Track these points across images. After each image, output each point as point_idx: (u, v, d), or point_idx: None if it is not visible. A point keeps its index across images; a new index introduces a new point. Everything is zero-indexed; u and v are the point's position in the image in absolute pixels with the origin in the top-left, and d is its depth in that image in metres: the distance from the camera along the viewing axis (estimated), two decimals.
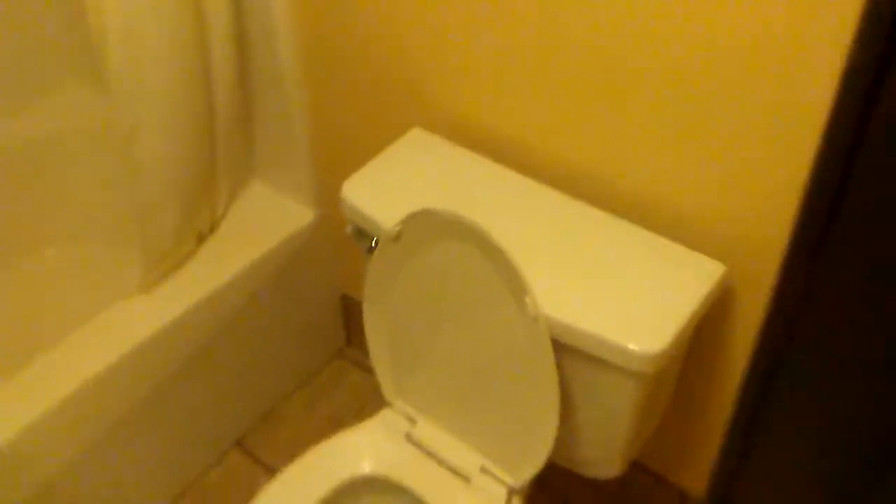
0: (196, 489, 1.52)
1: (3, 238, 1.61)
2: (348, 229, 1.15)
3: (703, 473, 1.31)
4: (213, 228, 1.46)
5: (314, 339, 1.69)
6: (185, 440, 1.49)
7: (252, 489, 1.52)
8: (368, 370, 1.72)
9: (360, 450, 1.17)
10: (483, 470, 1.12)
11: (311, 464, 1.16)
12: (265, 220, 1.49)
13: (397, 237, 1.03)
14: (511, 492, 1.10)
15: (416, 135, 1.20)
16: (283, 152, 1.48)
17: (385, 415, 1.20)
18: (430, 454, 1.15)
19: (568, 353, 0.97)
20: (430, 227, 0.99)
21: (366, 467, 1.15)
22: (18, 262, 1.64)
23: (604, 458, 1.10)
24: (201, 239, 1.44)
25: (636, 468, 1.35)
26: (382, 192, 1.12)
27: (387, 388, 1.20)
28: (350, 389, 1.69)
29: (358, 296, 1.66)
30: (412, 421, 1.18)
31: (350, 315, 1.70)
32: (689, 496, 1.35)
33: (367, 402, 1.67)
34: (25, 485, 1.23)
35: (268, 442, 1.60)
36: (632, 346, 0.92)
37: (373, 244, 1.12)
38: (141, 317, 1.33)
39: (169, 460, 1.48)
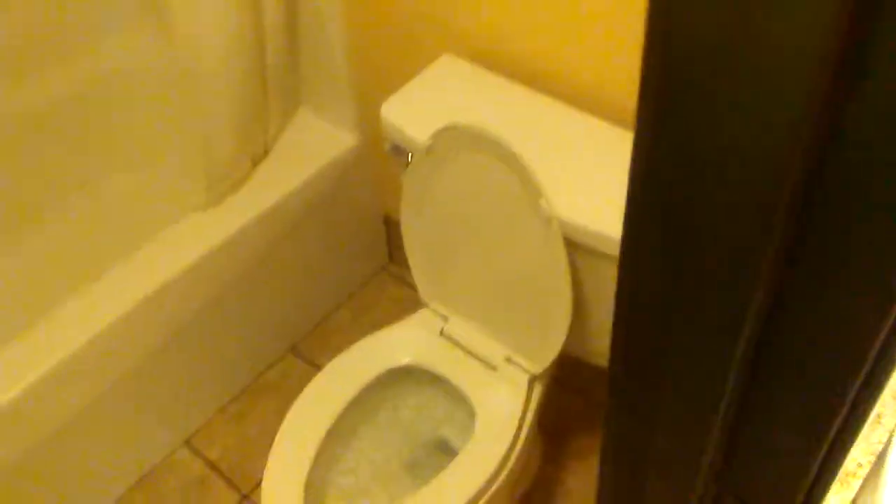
0: (255, 387, 1.70)
1: (76, 164, 1.78)
2: (387, 147, 1.28)
3: None
4: (265, 153, 1.61)
5: (359, 256, 1.85)
6: (245, 345, 1.67)
7: (305, 385, 1.70)
8: (408, 284, 1.88)
9: (400, 344, 1.32)
10: (508, 360, 1.26)
11: (355, 356, 1.31)
12: (312, 144, 1.63)
13: (429, 150, 1.16)
14: (533, 378, 1.25)
15: (446, 61, 1.32)
16: (327, 82, 1.61)
17: (421, 314, 1.35)
18: (461, 347, 1.30)
19: (581, 251, 1.10)
20: (456, 140, 1.12)
21: (405, 359, 1.31)
22: (91, 187, 1.81)
23: None
24: (255, 163, 1.59)
25: None
26: (416, 112, 1.24)
27: (423, 290, 1.34)
28: (392, 301, 1.85)
29: (398, 216, 1.80)
30: (445, 318, 1.33)
31: (391, 234, 1.85)
32: None
33: (407, 313, 1.82)
34: (105, 375, 1.42)
35: (319, 348, 1.77)
36: None
37: (409, 159, 1.25)
38: (204, 232, 1.49)
39: (231, 361, 1.66)
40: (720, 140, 0.32)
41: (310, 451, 1.20)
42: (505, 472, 1.18)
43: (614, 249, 1.07)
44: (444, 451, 1.34)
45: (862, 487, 0.55)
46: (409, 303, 1.84)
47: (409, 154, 1.24)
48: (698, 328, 0.41)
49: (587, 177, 1.12)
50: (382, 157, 1.70)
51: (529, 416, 1.23)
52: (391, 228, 1.83)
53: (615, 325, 0.50)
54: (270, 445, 1.59)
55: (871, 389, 0.35)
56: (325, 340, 1.79)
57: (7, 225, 1.70)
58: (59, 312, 1.36)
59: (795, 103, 0.28)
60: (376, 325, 1.80)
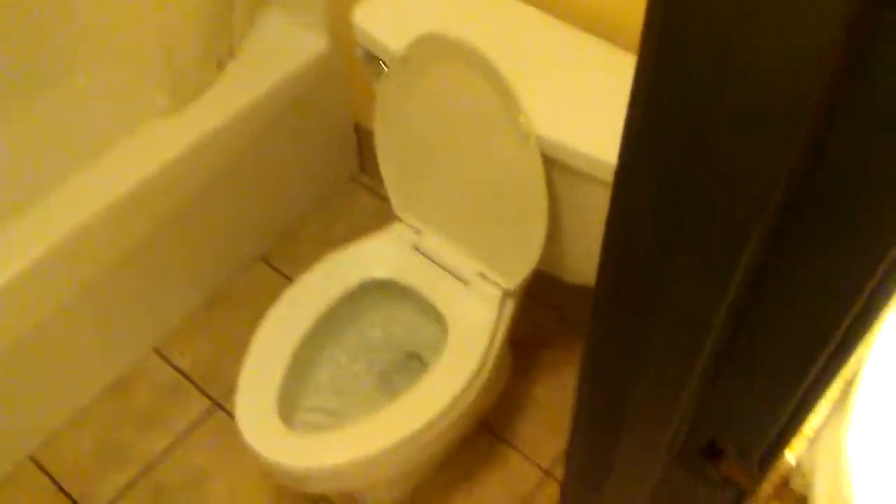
0: (225, 296, 1.69)
1: (34, 63, 1.69)
2: (359, 52, 1.23)
3: None
4: (231, 55, 1.54)
5: (329, 165, 1.81)
6: (213, 253, 1.65)
7: (275, 295, 1.69)
8: (379, 195, 1.85)
9: (373, 256, 1.31)
10: (481, 275, 1.26)
11: (328, 268, 1.30)
12: (281, 47, 1.56)
13: (404, 60, 1.11)
14: (505, 294, 1.25)
15: None
16: None
17: (394, 227, 1.33)
18: (434, 261, 1.29)
19: (557, 168, 1.08)
20: (435, 50, 1.07)
21: (378, 272, 1.30)
22: (50, 88, 1.72)
23: (589, 266, 1.23)
24: (221, 66, 1.52)
25: None
26: (392, 18, 1.19)
27: (396, 203, 1.32)
28: (363, 212, 1.83)
29: (369, 125, 1.76)
30: (418, 232, 1.31)
31: (362, 143, 1.80)
32: None
33: (377, 224, 1.80)
34: (71, 281, 1.39)
35: (289, 257, 1.76)
36: (614, 162, 1.02)
37: (382, 67, 1.20)
38: (169, 136, 1.43)
39: (199, 270, 1.64)
40: (731, 63, 0.30)
41: (283, 363, 1.21)
42: (476, 387, 1.20)
43: (594, 169, 1.06)
44: (416, 364, 1.35)
45: (825, 422, 0.56)
46: (379, 213, 1.83)
47: (383, 62, 1.19)
48: (695, 261, 0.40)
49: (572, 94, 1.09)
50: (354, 63, 1.64)
51: (501, 331, 1.24)
52: (362, 137, 1.79)
53: (604, 248, 0.47)
54: (241, 354, 1.60)
55: (850, 345, 0.35)
56: (295, 250, 1.77)
57: None
58: (18, 221, 1.32)
59: (823, 32, 0.26)
60: (346, 236, 1.79)
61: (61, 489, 1.45)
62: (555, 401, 1.55)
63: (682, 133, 0.34)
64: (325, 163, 1.79)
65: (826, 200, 0.29)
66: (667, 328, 0.44)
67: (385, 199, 1.30)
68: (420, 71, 1.11)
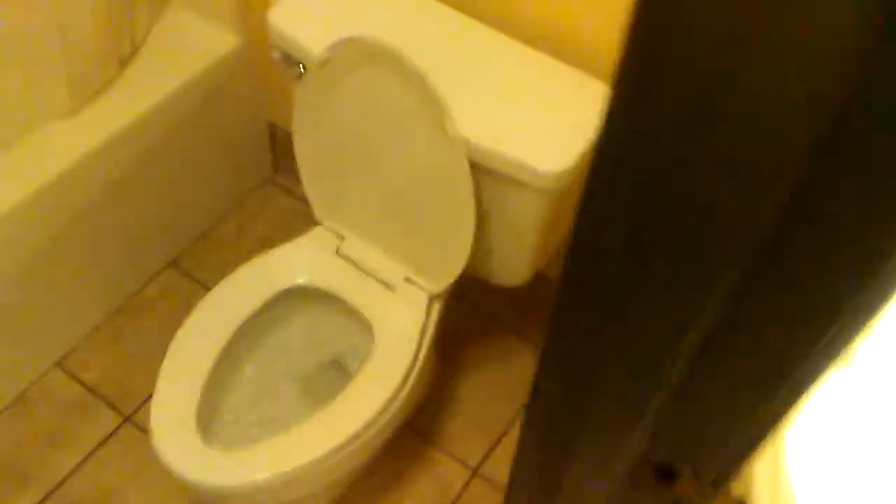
0: (133, 304, 1.61)
1: None
2: (275, 55, 1.19)
3: None
4: (133, 52, 1.46)
5: (243, 166, 1.75)
6: (119, 260, 1.56)
7: (188, 303, 1.62)
8: (296, 196, 1.80)
9: (294, 263, 1.27)
10: (407, 279, 1.25)
11: (248, 275, 1.26)
12: (188, 45, 1.49)
13: (325, 63, 1.08)
14: (432, 298, 1.24)
15: None
16: None
17: (315, 232, 1.30)
18: (359, 266, 1.27)
19: (483, 172, 1.08)
20: (356, 53, 1.05)
21: (299, 278, 1.26)
22: None
23: (514, 268, 1.24)
24: (123, 63, 1.44)
25: (541, 279, 1.51)
26: (309, 19, 1.15)
27: (317, 209, 1.29)
28: (279, 214, 1.78)
29: (284, 124, 1.71)
30: (341, 237, 1.29)
31: (277, 142, 1.75)
32: None
33: (295, 226, 1.76)
34: None
35: (202, 262, 1.69)
36: (541, 167, 1.03)
37: (301, 70, 1.16)
38: (69, 139, 1.35)
39: (105, 279, 1.55)
40: (711, 109, 0.29)
41: (201, 375, 1.16)
42: (405, 392, 1.19)
43: (519, 173, 1.06)
44: (338, 371, 1.33)
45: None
46: (295, 215, 1.78)
47: (301, 65, 1.16)
48: (667, 285, 0.39)
49: (494, 95, 1.08)
50: (267, 61, 1.58)
51: (428, 334, 1.23)
52: (277, 136, 1.74)
53: (569, 255, 0.45)
54: (151, 366, 1.53)
55: (812, 380, 0.36)
56: (208, 254, 1.70)
57: None
58: None
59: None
60: (262, 238, 1.75)
61: None
62: (477, 398, 1.55)
63: (659, 161, 0.33)
64: (237, 165, 1.73)
65: (799, 248, 0.30)
66: (631, 346, 0.43)
67: (302, 200, 1.26)
68: (341, 74, 1.08)
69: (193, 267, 1.68)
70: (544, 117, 1.07)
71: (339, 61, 1.07)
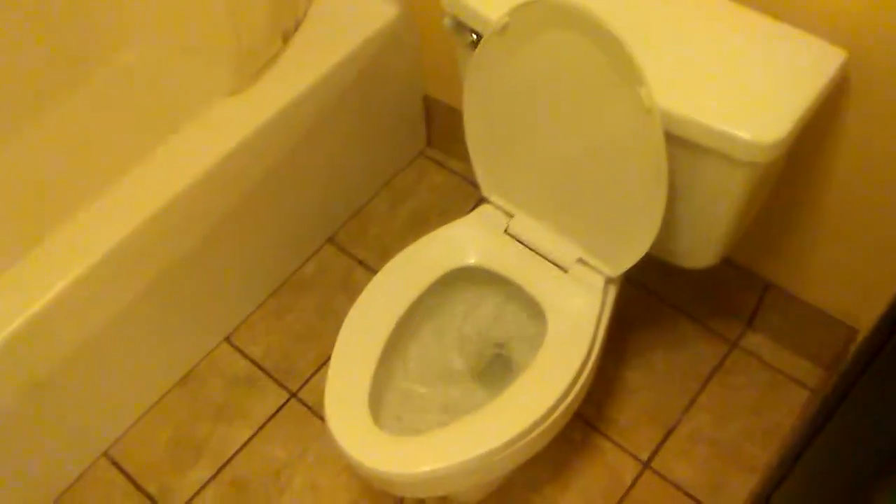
0: (294, 282, 1.62)
1: (81, 41, 1.60)
2: (447, 22, 1.12)
3: (785, 266, 1.35)
4: (297, 26, 1.43)
5: (397, 141, 1.71)
6: (280, 239, 1.57)
7: (345, 279, 1.62)
8: (450, 170, 1.75)
9: (462, 242, 1.22)
10: (580, 261, 1.16)
11: (416, 254, 1.21)
12: (348, 17, 1.46)
13: (503, 29, 1.00)
14: (608, 281, 1.15)
15: None
16: None
17: (483, 209, 1.24)
18: (529, 247, 1.20)
19: (677, 144, 0.97)
20: (539, 17, 0.96)
21: (469, 258, 1.21)
22: (95, 68, 1.63)
23: (703, 250, 1.13)
24: (286, 37, 1.42)
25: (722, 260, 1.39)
26: None
27: (485, 184, 1.22)
28: (432, 188, 1.73)
29: (439, 96, 1.65)
30: (509, 215, 1.22)
31: (431, 116, 1.70)
32: (772, 285, 1.39)
33: (449, 200, 1.71)
34: (147, 271, 1.32)
35: (357, 237, 1.67)
36: (750, 138, 0.91)
37: (473, 38, 1.09)
38: (233, 121, 1.34)
39: (267, 256, 1.56)
40: None
41: (373, 357, 1.13)
42: (581, 383, 1.11)
43: (725, 145, 0.94)
44: (502, 357, 1.27)
45: None
46: (450, 188, 1.73)
47: (474, 32, 1.08)
48: None
49: (694, 59, 0.97)
50: (425, 29, 1.53)
51: (605, 322, 1.15)
52: (431, 109, 1.69)
53: None
54: (313, 340, 1.53)
55: None
56: (363, 230, 1.69)
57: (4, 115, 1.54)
58: (85, 214, 1.25)
59: None
60: (414, 213, 1.71)
61: (138, 487, 1.41)
62: (646, 385, 1.46)
63: None
64: (392, 138, 1.69)
65: None
66: None
67: (455, 174, 1.20)
68: (521, 40, 1.00)
69: (349, 243, 1.67)
70: (752, 81, 0.95)
71: (520, 26, 0.99)
